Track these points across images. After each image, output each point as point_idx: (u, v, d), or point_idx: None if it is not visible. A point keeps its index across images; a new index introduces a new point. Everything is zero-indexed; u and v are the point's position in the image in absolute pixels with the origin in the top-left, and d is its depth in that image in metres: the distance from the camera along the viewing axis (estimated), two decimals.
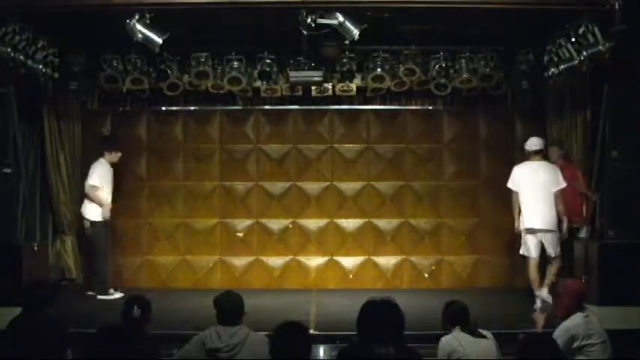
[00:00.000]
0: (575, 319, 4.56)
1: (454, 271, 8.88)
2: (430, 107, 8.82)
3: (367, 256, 8.91)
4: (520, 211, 7.25)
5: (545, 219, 7.08)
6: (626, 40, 6.20)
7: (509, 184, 7.32)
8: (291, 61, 7.98)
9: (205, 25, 7.10)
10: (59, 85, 8.04)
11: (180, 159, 8.96)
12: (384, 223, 8.92)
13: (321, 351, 5.91)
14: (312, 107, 8.82)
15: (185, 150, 8.96)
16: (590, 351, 4.48)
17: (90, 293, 7.98)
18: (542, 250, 7.17)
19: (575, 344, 4.47)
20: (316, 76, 7.88)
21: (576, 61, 7.04)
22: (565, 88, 7.86)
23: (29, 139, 7.76)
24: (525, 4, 6.49)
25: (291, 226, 8.94)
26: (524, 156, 8.53)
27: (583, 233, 7.43)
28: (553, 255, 7.13)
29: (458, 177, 8.91)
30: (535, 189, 7.13)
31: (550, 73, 7.81)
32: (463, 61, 8.05)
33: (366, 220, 8.92)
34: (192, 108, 8.87)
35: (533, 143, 7.34)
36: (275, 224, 8.94)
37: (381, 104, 8.79)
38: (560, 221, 7.12)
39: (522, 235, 7.25)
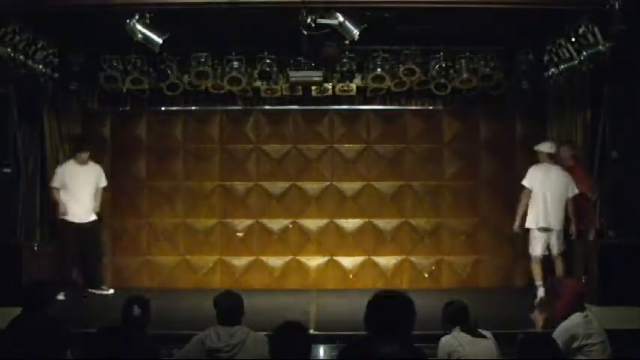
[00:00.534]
0: (575, 319, 4.56)
1: (454, 271, 8.89)
2: (430, 107, 8.82)
3: (367, 256, 8.91)
4: (526, 210, 7.46)
5: (557, 218, 7.37)
6: (626, 40, 6.20)
7: (526, 182, 7.49)
8: (291, 61, 7.98)
9: (205, 25, 7.10)
10: (59, 85, 8.04)
11: (180, 159, 8.96)
12: (384, 223, 8.92)
13: (321, 351, 5.92)
14: (312, 107, 8.82)
15: (185, 150, 8.96)
16: (590, 351, 4.48)
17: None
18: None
19: (575, 344, 4.47)
20: (316, 76, 7.87)
21: (576, 61, 7.04)
22: (565, 88, 7.85)
23: (29, 139, 7.75)
24: (525, 4, 6.49)
25: (291, 226, 8.94)
26: (524, 156, 8.59)
27: (590, 236, 7.39)
28: (557, 253, 7.35)
29: (458, 177, 8.91)
30: (550, 189, 7.37)
31: (550, 73, 7.81)
32: (463, 61, 8.04)
33: (366, 220, 8.92)
34: (192, 108, 8.87)
35: (548, 146, 7.60)
36: (275, 224, 8.94)
37: (381, 104, 8.79)
38: (568, 223, 7.37)
39: (531, 233, 7.45)
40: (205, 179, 8.96)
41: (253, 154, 8.95)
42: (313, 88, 8.36)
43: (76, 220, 7.94)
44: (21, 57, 6.94)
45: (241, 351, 4.30)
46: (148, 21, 6.44)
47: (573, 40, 6.97)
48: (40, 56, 7.36)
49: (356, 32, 6.42)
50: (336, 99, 8.65)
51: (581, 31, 6.74)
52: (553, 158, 7.55)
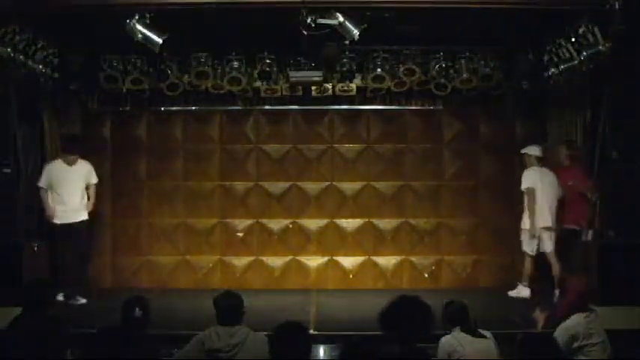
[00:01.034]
0: (576, 319, 4.56)
1: (454, 271, 8.88)
2: (430, 107, 8.81)
3: (367, 256, 8.90)
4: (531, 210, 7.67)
5: (554, 218, 7.68)
6: (626, 40, 6.20)
7: (529, 184, 7.68)
8: (291, 61, 7.97)
9: (205, 25, 7.09)
10: (59, 85, 8.04)
11: (180, 159, 8.95)
12: (384, 223, 8.92)
13: (321, 351, 5.92)
14: (312, 107, 8.81)
15: (185, 150, 8.96)
16: (591, 351, 4.48)
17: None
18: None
19: (576, 344, 4.47)
20: (316, 76, 7.87)
21: (576, 61, 7.05)
22: (565, 88, 7.85)
23: (29, 139, 7.74)
24: (525, 4, 6.49)
25: (291, 226, 8.93)
26: (524, 157, 8.58)
27: (589, 236, 7.44)
28: (552, 251, 7.59)
29: (458, 177, 8.91)
30: (547, 191, 7.65)
31: (550, 73, 7.81)
32: (463, 61, 8.05)
33: (366, 220, 8.92)
34: (192, 108, 8.86)
35: (537, 150, 7.85)
36: (275, 224, 8.94)
37: (381, 104, 8.78)
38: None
39: (532, 233, 7.63)
40: (205, 179, 8.95)
41: (253, 154, 8.95)
42: (313, 88, 8.36)
43: (64, 222, 7.66)
44: (21, 57, 6.94)
45: (241, 351, 4.31)
46: (148, 21, 6.44)
47: (573, 40, 6.97)
48: (40, 56, 7.36)
49: (356, 32, 6.42)
50: (336, 99, 8.64)
51: (581, 31, 6.74)
52: (542, 161, 7.80)
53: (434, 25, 7.25)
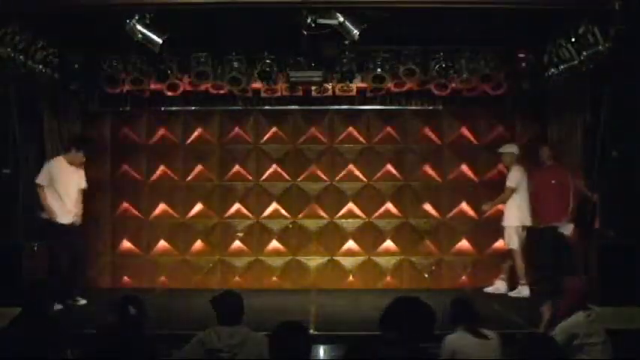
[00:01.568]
0: (577, 318, 4.56)
1: (454, 271, 8.88)
2: (430, 107, 8.81)
3: (367, 256, 8.91)
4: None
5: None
6: (626, 40, 6.20)
7: (520, 182, 8.01)
8: (291, 61, 7.97)
9: (205, 25, 7.09)
10: (59, 85, 8.03)
11: (180, 159, 8.96)
12: (384, 223, 8.92)
13: (321, 351, 5.91)
14: (312, 107, 8.81)
15: (185, 150, 8.96)
16: (591, 350, 4.48)
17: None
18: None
19: (576, 342, 4.47)
20: (316, 76, 7.87)
21: (576, 61, 7.04)
22: (565, 88, 7.85)
23: (29, 139, 7.74)
24: (525, 4, 6.49)
25: (291, 226, 8.93)
26: (524, 156, 8.59)
27: (568, 230, 7.61)
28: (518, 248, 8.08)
29: (458, 177, 8.91)
30: (527, 190, 8.05)
31: (550, 73, 7.81)
32: (463, 61, 8.03)
33: (366, 220, 8.92)
34: (192, 108, 8.86)
35: (515, 147, 8.23)
36: (275, 224, 8.94)
37: (381, 104, 8.78)
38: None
39: (514, 230, 7.95)
40: (205, 179, 8.96)
41: (253, 154, 8.95)
42: (313, 88, 8.36)
43: (63, 222, 7.52)
44: (21, 57, 6.94)
45: (241, 351, 4.30)
46: (147, 21, 6.44)
47: (573, 40, 6.96)
48: (40, 56, 7.35)
49: (356, 32, 6.42)
50: (336, 99, 8.64)
51: (581, 31, 6.73)
52: (519, 160, 8.13)
53: (434, 25, 7.25)
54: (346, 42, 6.67)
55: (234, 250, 8.93)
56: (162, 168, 8.94)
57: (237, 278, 8.88)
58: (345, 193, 8.94)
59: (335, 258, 8.92)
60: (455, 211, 8.90)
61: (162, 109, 8.85)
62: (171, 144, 8.95)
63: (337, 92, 8.44)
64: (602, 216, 7.23)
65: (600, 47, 6.47)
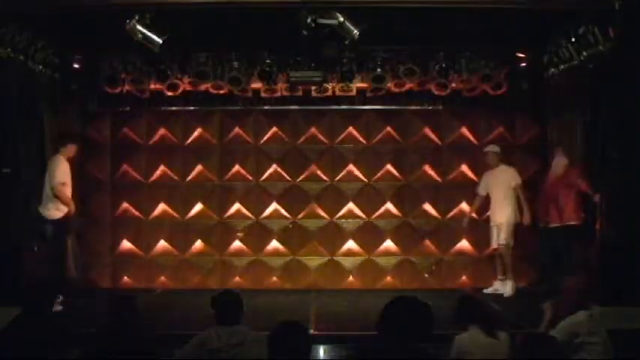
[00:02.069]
0: (579, 317, 4.56)
1: (454, 271, 8.89)
2: (430, 107, 8.81)
3: (367, 256, 8.91)
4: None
5: None
6: (626, 40, 6.20)
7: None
8: (291, 61, 7.97)
9: (205, 25, 7.10)
10: (59, 85, 8.03)
11: (180, 159, 8.96)
12: (384, 223, 8.92)
13: (321, 351, 5.91)
14: (312, 107, 8.81)
15: (185, 150, 8.96)
16: (592, 349, 4.47)
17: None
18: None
19: (577, 341, 4.46)
20: (316, 76, 7.87)
21: (576, 61, 7.04)
22: (565, 88, 7.85)
23: (29, 139, 7.74)
24: (525, 4, 6.49)
25: (291, 226, 8.93)
26: (524, 156, 8.60)
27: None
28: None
29: (458, 177, 8.91)
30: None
31: (550, 73, 7.82)
32: (463, 61, 8.05)
33: (366, 220, 8.92)
34: (192, 108, 8.86)
35: (497, 147, 8.24)
36: (275, 224, 8.94)
37: (381, 104, 8.78)
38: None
39: (512, 227, 7.94)
40: (205, 179, 8.96)
41: (253, 154, 8.95)
42: (313, 88, 8.35)
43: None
44: (21, 57, 6.94)
45: (241, 351, 4.30)
46: (147, 21, 6.44)
47: (573, 40, 6.96)
48: (40, 56, 7.36)
49: (356, 32, 6.42)
50: (336, 99, 8.64)
51: (581, 31, 6.74)
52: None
53: (434, 25, 7.25)
54: (346, 42, 6.67)
55: (234, 250, 8.93)
56: (162, 168, 8.94)
57: (237, 278, 8.88)
58: (345, 193, 8.94)
59: (335, 258, 8.92)
60: (455, 211, 8.90)
61: (162, 109, 8.85)
62: (171, 144, 8.95)
63: (337, 92, 8.44)
64: (602, 216, 7.22)
65: (600, 47, 6.48)
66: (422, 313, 3.01)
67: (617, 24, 6.13)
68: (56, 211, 7.36)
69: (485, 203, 8.25)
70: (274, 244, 8.93)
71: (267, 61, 8.00)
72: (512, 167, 8.13)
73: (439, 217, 8.91)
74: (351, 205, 8.92)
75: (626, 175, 6.82)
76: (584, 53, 6.80)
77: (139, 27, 6.43)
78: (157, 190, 8.95)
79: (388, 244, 8.91)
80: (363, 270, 8.89)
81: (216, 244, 8.94)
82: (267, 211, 8.94)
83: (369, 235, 8.92)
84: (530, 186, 8.17)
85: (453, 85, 8.24)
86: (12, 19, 6.57)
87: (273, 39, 7.70)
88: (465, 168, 8.89)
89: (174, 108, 8.85)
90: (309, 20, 6.26)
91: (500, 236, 7.95)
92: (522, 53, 8.08)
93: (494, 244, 8.11)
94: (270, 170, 8.95)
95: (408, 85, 8.32)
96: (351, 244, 8.92)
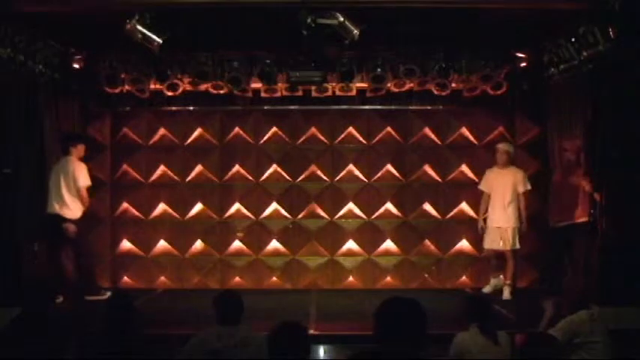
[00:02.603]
0: (580, 316, 4.57)
1: (454, 271, 8.89)
2: (430, 107, 8.81)
3: (367, 256, 8.91)
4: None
5: None
6: (626, 40, 6.19)
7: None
8: (291, 61, 7.97)
9: (205, 25, 7.09)
10: (59, 85, 8.03)
11: (180, 159, 8.96)
12: (384, 223, 8.92)
13: (321, 351, 5.92)
14: (312, 107, 8.81)
15: (185, 150, 8.96)
16: (593, 349, 4.48)
17: (89, 297, 7.76)
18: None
19: (577, 340, 4.47)
20: (316, 76, 7.87)
21: (576, 61, 7.03)
22: (565, 88, 7.85)
23: (29, 139, 7.74)
24: (526, 4, 6.49)
25: (291, 226, 8.93)
26: (524, 156, 8.58)
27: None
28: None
29: (458, 177, 8.91)
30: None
31: (550, 73, 7.81)
32: (463, 61, 8.04)
33: (366, 220, 8.92)
34: (192, 108, 8.86)
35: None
36: (275, 224, 8.94)
37: (381, 104, 8.77)
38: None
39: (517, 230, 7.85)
40: (205, 179, 8.95)
41: (253, 154, 8.95)
42: (313, 88, 8.35)
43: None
44: (21, 57, 6.93)
45: (241, 351, 4.30)
46: (147, 21, 6.43)
47: (573, 40, 6.96)
48: (40, 56, 7.35)
49: (356, 32, 6.42)
50: (336, 99, 8.64)
51: (581, 31, 6.73)
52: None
53: (434, 25, 7.25)
54: (346, 42, 6.67)
55: (234, 250, 8.93)
56: (162, 168, 8.94)
57: (237, 278, 8.88)
58: (345, 193, 8.94)
59: (335, 258, 8.92)
60: (455, 211, 8.90)
61: (162, 109, 8.84)
62: (171, 144, 8.95)
63: (337, 92, 8.44)
64: (602, 216, 7.22)
65: (600, 47, 6.47)
66: (415, 314, 3.01)
67: (617, 24, 6.12)
68: (78, 210, 7.66)
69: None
70: (274, 244, 8.93)
71: (267, 61, 8.00)
72: (522, 170, 7.98)
73: (439, 217, 8.91)
74: (351, 205, 8.92)
75: (626, 175, 6.82)
76: (584, 53, 6.79)
77: (139, 27, 6.43)
78: (157, 190, 8.95)
79: (388, 244, 8.91)
80: (363, 270, 8.90)
81: (216, 244, 8.94)
82: (267, 211, 8.94)
83: (369, 235, 8.92)
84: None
85: (453, 85, 8.23)
86: (12, 19, 6.57)
87: (273, 39, 7.69)
88: (465, 168, 8.89)
89: (174, 108, 8.84)
90: (309, 20, 6.25)
91: (509, 241, 7.76)
92: (522, 53, 8.07)
93: (490, 246, 7.92)
94: (270, 170, 8.95)
95: (408, 85, 8.32)
96: (351, 244, 8.92)
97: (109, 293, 7.75)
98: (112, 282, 8.83)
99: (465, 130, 8.92)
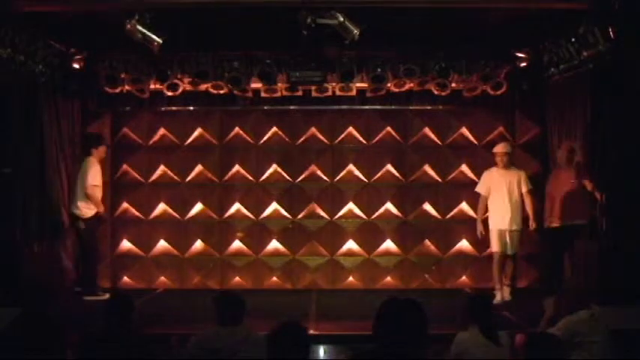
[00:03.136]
0: (581, 316, 4.57)
1: (454, 271, 8.89)
2: (430, 107, 8.81)
3: (367, 256, 8.91)
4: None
5: None
6: (626, 40, 6.19)
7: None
8: (291, 61, 7.97)
9: (205, 25, 7.09)
10: (59, 85, 8.03)
11: (180, 159, 8.95)
12: (384, 223, 8.92)
13: (321, 351, 5.92)
14: (312, 107, 8.81)
15: (185, 150, 8.95)
16: (593, 349, 4.48)
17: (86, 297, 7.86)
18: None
19: (577, 339, 4.47)
20: (316, 76, 7.87)
21: (576, 61, 7.03)
22: (565, 87, 7.85)
23: (29, 139, 7.74)
24: (526, 4, 6.48)
25: (291, 226, 8.93)
26: (524, 156, 8.58)
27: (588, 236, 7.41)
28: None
29: (458, 177, 8.91)
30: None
31: (550, 73, 7.81)
32: (463, 61, 8.04)
33: (366, 220, 8.92)
34: (192, 108, 8.86)
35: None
36: (275, 224, 8.94)
37: (381, 104, 8.77)
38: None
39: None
40: (205, 179, 8.95)
41: (253, 154, 8.95)
42: (313, 88, 8.35)
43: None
44: (21, 57, 6.93)
45: (241, 351, 4.30)
46: (147, 21, 6.43)
47: (573, 40, 6.96)
48: (40, 56, 7.35)
49: (356, 32, 6.42)
50: (336, 99, 8.63)
51: (581, 31, 6.73)
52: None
53: (434, 25, 7.25)
54: (346, 42, 6.66)
55: (234, 250, 8.93)
56: (162, 168, 8.94)
57: (237, 278, 8.88)
58: (345, 193, 8.94)
59: (335, 258, 8.92)
60: (455, 211, 8.90)
61: (162, 109, 8.84)
62: (171, 144, 8.95)
63: (337, 92, 8.43)
64: (602, 216, 7.22)
65: (600, 47, 6.47)
66: (415, 314, 3.00)
67: (617, 24, 6.12)
68: (87, 210, 7.95)
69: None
70: (274, 244, 8.93)
71: (267, 61, 8.00)
72: (522, 170, 7.88)
73: (439, 217, 8.91)
74: (351, 205, 8.92)
75: (626, 175, 6.82)
76: (584, 53, 6.79)
77: (139, 27, 6.43)
78: (157, 190, 8.95)
79: (388, 244, 8.91)
80: (363, 270, 8.90)
81: (216, 244, 8.94)
82: (267, 211, 8.94)
83: (369, 235, 8.92)
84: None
85: (453, 85, 8.23)
86: (12, 19, 6.57)
87: (273, 39, 7.69)
88: (465, 168, 8.89)
89: (174, 108, 8.84)
90: (309, 20, 6.25)
91: (515, 244, 7.64)
92: (522, 53, 8.07)
93: (502, 249, 7.67)
94: (270, 170, 8.95)
95: (408, 85, 8.31)
96: (351, 244, 8.92)
97: (107, 295, 7.75)
98: (112, 282, 8.83)
99: (465, 130, 8.92)
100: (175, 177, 8.95)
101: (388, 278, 8.88)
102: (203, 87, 8.35)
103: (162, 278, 8.89)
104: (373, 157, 8.94)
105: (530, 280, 8.65)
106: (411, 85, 8.31)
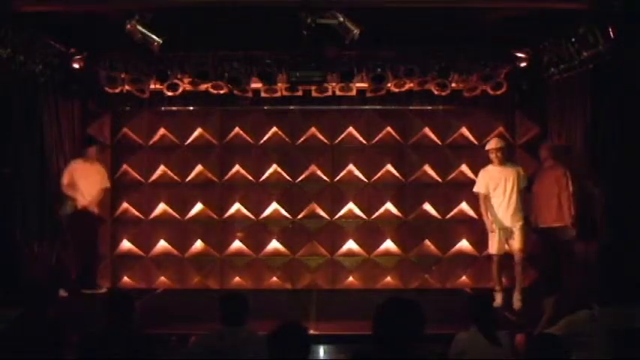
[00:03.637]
0: (581, 316, 4.58)
1: (454, 271, 8.88)
2: (430, 107, 8.81)
3: (367, 256, 8.91)
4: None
5: None
6: (626, 40, 6.19)
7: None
8: (291, 61, 7.97)
9: (205, 25, 7.10)
10: (59, 85, 8.03)
11: (180, 159, 8.95)
12: (384, 223, 8.92)
13: (321, 351, 5.92)
14: (312, 107, 8.81)
15: (185, 150, 8.96)
16: (593, 348, 4.49)
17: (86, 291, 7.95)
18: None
19: (578, 339, 4.47)
20: (316, 76, 7.87)
21: (576, 61, 7.03)
22: (565, 87, 7.85)
23: (29, 139, 7.75)
24: (526, 4, 6.48)
25: (291, 226, 8.93)
26: (524, 156, 8.57)
27: (568, 235, 7.36)
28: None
29: (458, 177, 8.91)
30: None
31: (550, 73, 7.81)
32: (463, 61, 8.04)
33: (366, 220, 8.92)
34: (192, 108, 8.86)
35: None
36: (275, 224, 8.94)
37: (381, 104, 8.77)
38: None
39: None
40: (205, 179, 8.95)
41: (253, 154, 8.95)
42: (313, 88, 8.35)
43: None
44: (21, 57, 6.93)
45: (242, 351, 4.30)
46: (147, 21, 6.44)
47: (573, 40, 6.96)
48: (40, 56, 7.35)
49: (356, 32, 6.42)
50: (336, 99, 8.63)
51: (581, 31, 6.73)
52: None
53: (434, 25, 7.25)
54: (346, 42, 6.66)
55: (234, 250, 8.93)
56: (162, 168, 8.94)
57: (237, 278, 8.88)
58: (345, 193, 8.94)
59: (335, 258, 8.92)
60: (455, 211, 8.90)
61: (162, 109, 8.85)
62: (171, 144, 8.95)
63: (337, 92, 8.43)
64: (602, 215, 7.22)
65: (600, 47, 6.47)
66: (414, 314, 3.01)
67: (617, 24, 6.12)
68: (67, 207, 8.03)
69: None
70: (274, 244, 8.93)
71: (267, 61, 8.00)
72: (519, 166, 7.76)
73: (439, 217, 8.91)
74: (351, 205, 8.92)
75: (626, 175, 6.82)
76: (584, 53, 6.79)
77: (139, 27, 6.43)
78: (157, 190, 8.95)
79: (388, 244, 8.91)
80: (363, 270, 8.90)
81: (216, 244, 8.94)
82: (267, 211, 8.94)
83: (369, 235, 8.92)
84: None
85: (453, 85, 8.23)
86: (12, 19, 6.57)
87: (273, 39, 7.69)
88: (465, 168, 8.89)
89: (174, 108, 8.84)
90: (309, 20, 6.26)
91: (518, 243, 7.39)
92: (522, 53, 8.07)
93: (494, 251, 7.52)
94: (270, 170, 8.95)
95: (408, 85, 8.32)
96: (351, 244, 8.92)
97: (105, 288, 7.82)
98: (112, 282, 8.83)
99: (465, 130, 8.92)
100: (175, 177, 8.95)
101: (388, 278, 8.88)
102: (203, 87, 8.36)
103: (163, 278, 8.90)
104: (373, 157, 8.95)
105: (531, 280, 8.64)
106: (411, 85, 8.31)
